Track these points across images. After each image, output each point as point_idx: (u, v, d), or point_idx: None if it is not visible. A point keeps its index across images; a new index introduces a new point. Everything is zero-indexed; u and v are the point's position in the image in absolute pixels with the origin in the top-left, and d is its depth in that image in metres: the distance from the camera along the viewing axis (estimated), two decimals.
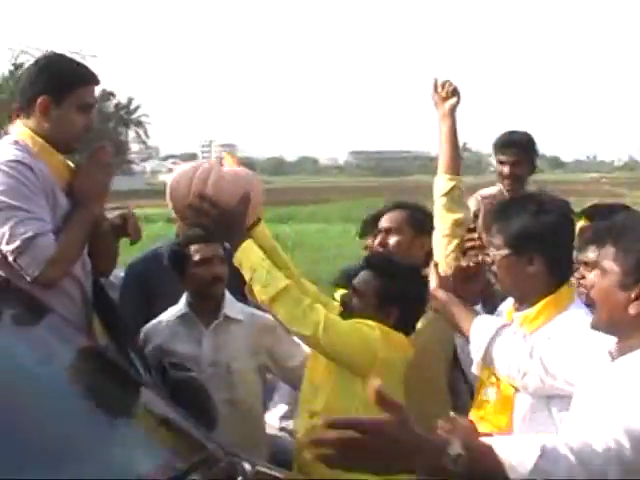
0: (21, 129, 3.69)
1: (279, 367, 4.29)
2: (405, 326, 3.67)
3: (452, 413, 3.77)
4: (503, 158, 5.44)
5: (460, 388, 4.10)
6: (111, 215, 3.90)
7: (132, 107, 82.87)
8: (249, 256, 3.41)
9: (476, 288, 3.44)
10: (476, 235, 4.15)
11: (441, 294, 3.28)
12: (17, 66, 42.71)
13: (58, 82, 3.63)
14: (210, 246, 4.19)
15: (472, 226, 4.20)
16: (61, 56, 3.92)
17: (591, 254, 3.78)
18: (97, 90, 3.90)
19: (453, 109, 4.09)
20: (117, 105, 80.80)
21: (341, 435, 1.89)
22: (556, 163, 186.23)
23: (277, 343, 4.23)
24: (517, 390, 3.07)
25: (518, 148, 5.43)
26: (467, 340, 3.21)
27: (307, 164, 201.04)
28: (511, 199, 3.31)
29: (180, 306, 4.28)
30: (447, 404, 4.05)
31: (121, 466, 2.80)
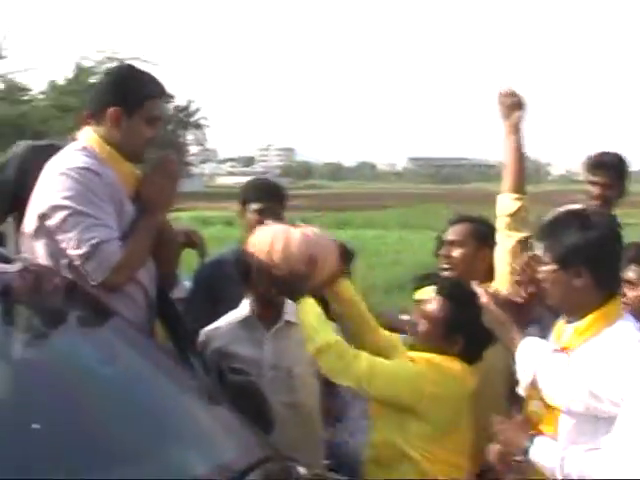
0: (90, 135, 3.75)
1: None
2: (470, 355, 3.71)
3: None
4: (594, 179, 5.35)
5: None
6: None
7: (191, 110, 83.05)
8: (305, 312, 3.65)
9: (526, 317, 3.51)
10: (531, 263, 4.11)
11: (493, 309, 3.35)
12: (81, 70, 43.10)
13: (129, 95, 3.70)
14: None
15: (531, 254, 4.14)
16: (133, 68, 3.98)
17: (631, 273, 3.83)
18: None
19: (519, 123, 4.07)
20: (176, 107, 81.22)
21: None
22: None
23: None
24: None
25: (609, 170, 5.35)
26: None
27: (365, 169, 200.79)
28: (557, 215, 3.33)
29: (242, 310, 4.32)
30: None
31: (179, 466, 2.87)
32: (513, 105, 4.09)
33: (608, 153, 5.54)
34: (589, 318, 3.17)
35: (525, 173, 4.13)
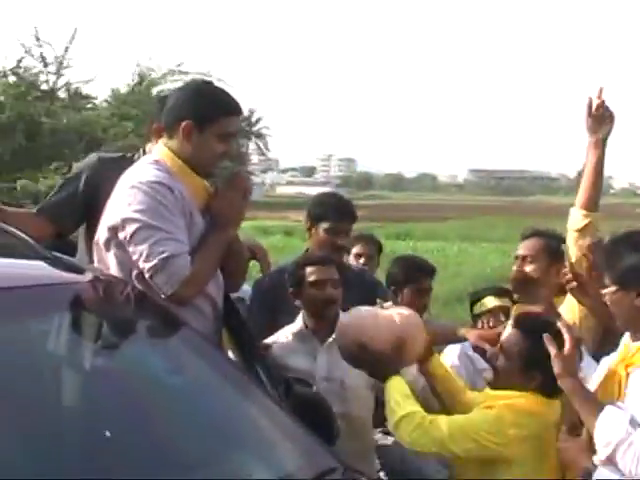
0: (162, 149, 3.79)
1: None
2: (548, 390, 3.61)
3: None
4: None
5: None
6: None
7: (253, 119, 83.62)
8: (391, 391, 3.64)
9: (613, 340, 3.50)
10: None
11: (567, 380, 3.30)
12: (141, 81, 43.44)
13: (202, 111, 3.71)
14: (326, 269, 4.31)
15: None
16: (208, 84, 4.02)
17: None
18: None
19: (605, 138, 4.01)
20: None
21: None
22: None
23: None
24: None
25: None
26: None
27: (426, 181, 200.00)
28: (616, 237, 3.34)
29: (297, 324, 4.42)
30: None
31: (246, 475, 2.91)
32: (604, 118, 4.01)
33: None
34: None
35: (600, 189, 4.07)
